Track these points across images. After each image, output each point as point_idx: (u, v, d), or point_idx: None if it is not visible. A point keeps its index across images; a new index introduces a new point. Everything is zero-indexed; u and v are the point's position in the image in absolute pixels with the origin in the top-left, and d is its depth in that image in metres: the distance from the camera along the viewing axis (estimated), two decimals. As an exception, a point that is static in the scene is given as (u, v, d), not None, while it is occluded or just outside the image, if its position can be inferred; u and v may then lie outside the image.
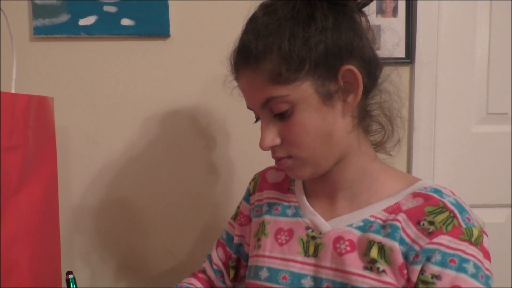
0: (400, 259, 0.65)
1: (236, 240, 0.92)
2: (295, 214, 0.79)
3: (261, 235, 0.81)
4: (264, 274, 0.76)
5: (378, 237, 0.67)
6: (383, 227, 0.68)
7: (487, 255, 0.66)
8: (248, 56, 0.67)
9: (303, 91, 0.65)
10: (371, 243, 0.67)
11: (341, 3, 0.67)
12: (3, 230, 0.79)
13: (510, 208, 1.29)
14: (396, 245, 0.65)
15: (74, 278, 0.82)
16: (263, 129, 0.70)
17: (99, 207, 1.21)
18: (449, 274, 0.62)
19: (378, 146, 0.79)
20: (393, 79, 0.76)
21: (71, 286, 0.81)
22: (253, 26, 0.68)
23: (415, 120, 1.23)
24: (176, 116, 1.19)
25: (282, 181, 0.86)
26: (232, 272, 0.93)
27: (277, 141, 0.70)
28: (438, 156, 1.26)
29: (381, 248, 0.66)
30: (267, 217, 0.82)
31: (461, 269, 0.62)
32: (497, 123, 1.28)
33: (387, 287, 0.65)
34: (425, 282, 0.63)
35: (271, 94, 0.66)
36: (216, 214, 1.24)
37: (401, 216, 0.67)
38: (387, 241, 0.66)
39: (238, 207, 0.94)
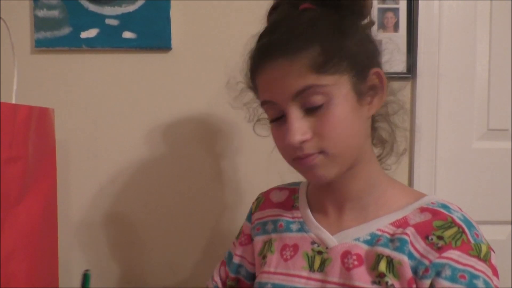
0: (409, 273, 0.64)
1: (236, 259, 0.90)
2: (300, 229, 0.78)
3: (267, 252, 0.80)
4: None
5: (387, 251, 0.66)
6: (391, 240, 0.67)
7: (495, 272, 0.65)
8: (287, 46, 0.65)
9: (342, 85, 0.66)
10: (379, 257, 0.66)
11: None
12: (1, 243, 0.77)
13: (510, 225, 1.28)
14: (405, 258, 0.65)
15: (89, 275, 0.80)
16: (292, 122, 0.66)
17: (99, 222, 1.20)
18: None
19: (381, 158, 0.79)
20: (395, 90, 0.78)
21: (86, 282, 0.78)
22: (289, 22, 0.68)
23: (416, 135, 1.22)
24: (178, 129, 1.19)
25: (286, 200, 0.85)
26: None
27: (308, 135, 0.66)
28: (439, 172, 1.26)
29: (390, 262, 0.66)
30: (273, 235, 0.81)
31: (471, 285, 0.62)
32: (498, 139, 1.27)
33: None
34: None
35: (312, 82, 0.64)
36: (219, 231, 1.22)
37: (410, 230, 0.67)
38: (396, 255, 0.65)
39: (241, 227, 0.93)
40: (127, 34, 1.15)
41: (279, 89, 0.67)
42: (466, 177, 1.28)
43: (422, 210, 0.69)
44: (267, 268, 0.78)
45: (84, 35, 1.14)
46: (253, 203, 0.91)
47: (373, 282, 0.66)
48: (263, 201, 0.88)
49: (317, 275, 0.72)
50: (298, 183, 0.88)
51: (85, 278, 0.79)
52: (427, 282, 0.63)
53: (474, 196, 1.27)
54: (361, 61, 0.67)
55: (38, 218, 0.91)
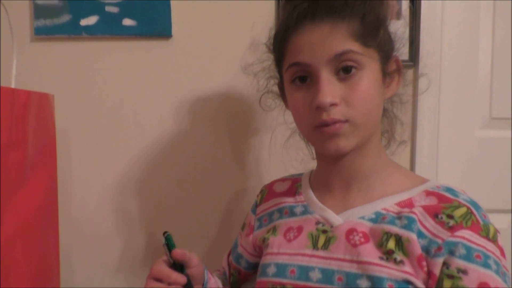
0: (418, 251, 0.65)
1: (239, 249, 0.93)
2: (304, 212, 0.79)
3: (270, 236, 0.81)
4: (271, 270, 0.76)
5: (394, 229, 0.67)
6: (398, 218, 0.69)
7: (502, 253, 0.66)
8: (332, 10, 0.68)
9: (373, 59, 0.70)
10: (387, 235, 0.67)
11: None
12: (1, 229, 0.77)
13: (511, 214, 1.28)
14: (413, 236, 0.66)
15: (170, 235, 0.79)
16: (325, 83, 0.68)
17: (100, 210, 1.20)
18: (475, 269, 0.62)
19: None
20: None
21: (171, 243, 0.77)
22: None
23: (419, 124, 1.22)
24: (178, 116, 1.18)
25: (289, 188, 0.87)
26: (231, 279, 0.95)
27: (337, 100, 0.68)
28: (441, 160, 1.25)
29: (399, 239, 0.67)
30: (277, 222, 0.82)
31: (486, 265, 0.63)
32: (500, 128, 1.27)
33: (405, 275, 0.64)
34: (451, 277, 0.63)
35: (351, 47, 0.67)
36: (222, 221, 1.22)
37: (418, 210, 0.68)
38: (403, 232, 0.66)
39: (245, 218, 0.94)
40: (127, 22, 1.14)
41: (317, 51, 0.68)
42: (468, 166, 1.27)
43: (428, 193, 0.70)
44: (270, 250, 0.79)
45: (83, 22, 1.13)
46: (258, 196, 0.93)
47: (381, 258, 0.66)
48: (267, 192, 0.90)
49: (320, 253, 0.72)
50: (300, 174, 0.90)
51: (168, 239, 0.77)
52: (440, 261, 0.64)
53: (475, 185, 1.27)
54: (388, 45, 0.73)
55: (38, 205, 0.91)
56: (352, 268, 0.68)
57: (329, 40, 0.68)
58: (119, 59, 1.17)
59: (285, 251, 0.76)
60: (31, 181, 0.87)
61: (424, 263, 0.65)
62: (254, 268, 0.91)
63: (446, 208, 0.66)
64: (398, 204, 0.71)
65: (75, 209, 1.19)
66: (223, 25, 1.17)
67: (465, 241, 0.64)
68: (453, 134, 1.26)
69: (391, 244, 0.66)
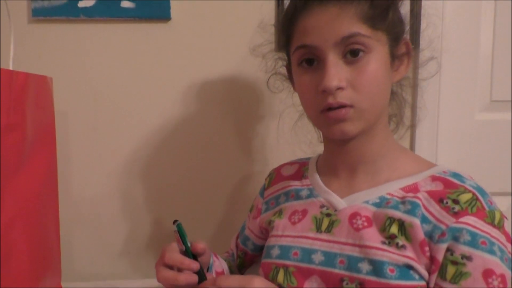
0: (420, 236, 0.65)
1: (246, 232, 0.95)
2: (309, 195, 0.79)
3: (275, 218, 0.81)
4: (275, 252, 0.77)
5: (397, 214, 0.67)
6: (402, 203, 0.69)
7: (508, 239, 0.66)
8: None
9: (382, 42, 0.69)
10: (390, 220, 0.67)
11: None
12: (1, 212, 0.77)
13: (510, 196, 1.28)
14: (416, 221, 0.65)
15: (181, 224, 0.79)
16: (331, 66, 0.67)
17: (100, 195, 1.20)
18: (480, 256, 0.62)
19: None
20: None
21: (182, 231, 0.77)
22: None
23: (419, 106, 1.21)
24: (177, 100, 1.18)
25: (296, 172, 0.87)
26: (238, 261, 0.97)
27: (344, 83, 0.67)
28: (441, 143, 1.25)
29: (401, 224, 0.67)
30: (283, 205, 0.83)
31: (491, 251, 0.62)
32: (501, 110, 1.26)
33: (407, 260, 0.65)
34: (454, 263, 0.63)
35: (359, 30, 0.66)
36: (228, 205, 1.23)
37: (422, 195, 0.68)
38: (406, 217, 0.66)
39: (254, 200, 0.96)
40: (126, 4, 1.12)
41: (324, 33, 0.67)
42: (468, 149, 1.27)
43: (434, 178, 0.70)
44: (275, 232, 0.79)
45: (81, 4, 1.12)
46: (266, 179, 0.93)
47: (383, 242, 0.67)
48: (275, 176, 0.91)
49: (323, 236, 0.73)
50: (308, 158, 0.91)
51: (179, 228, 0.78)
52: (443, 246, 0.64)
53: (475, 168, 1.26)
54: (398, 27, 0.72)
55: (38, 188, 0.91)
56: (354, 252, 0.68)
57: (337, 22, 0.66)
58: (118, 41, 1.16)
59: (289, 234, 0.77)
60: (30, 163, 0.87)
61: (427, 249, 0.65)
62: (260, 250, 0.92)
63: (451, 193, 0.66)
64: (403, 188, 0.71)
65: (75, 192, 1.19)
66: (223, 8, 1.16)
67: (469, 227, 0.63)
68: (453, 117, 1.25)
69: (394, 229, 0.67)
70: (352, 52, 0.67)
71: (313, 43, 0.69)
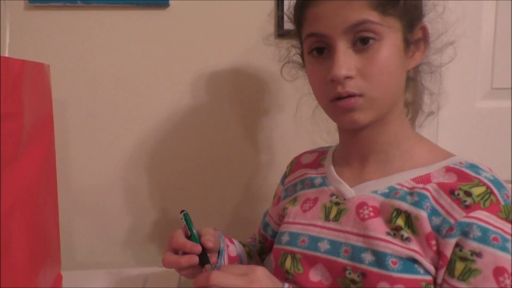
0: (427, 228, 0.63)
1: (267, 218, 0.98)
2: (322, 184, 0.79)
3: (289, 205, 0.82)
4: (285, 238, 0.78)
5: (404, 205, 0.66)
6: (410, 194, 0.67)
7: None
8: None
9: (394, 29, 0.66)
10: (397, 212, 0.66)
11: None
12: (0, 201, 0.77)
13: (511, 184, 1.28)
14: (422, 213, 0.64)
15: (187, 213, 0.81)
16: (340, 55, 0.65)
17: (99, 183, 1.20)
18: (491, 252, 0.59)
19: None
20: (429, 55, 0.77)
21: (188, 221, 0.79)
22: None
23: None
24: (176, 88, 1.17)
25: (314, 160, 0.87)
26: (258, 246, 0.99)
27: (353, 72, 0.66)
28: (441, 131, 1.24)
29: (408, 216, 0.65)
30: (299, 193, 0.83)
31: (504, 248, 0.59)
32: (501, 98, 1.26)
33: (411, 253, 0.63)
34: (463, 259, 0.61)
35: (369, 17, 0.64)
36: (225, 195, 1.23)
37: (431, 186, 0.65)
38: (413, 210, 0.65)
39: (276, 188, 0.98)
40: (123, -10, 1.11)
41: (333, 21, 0.66)
42: (469, 136, 1.26)
43: (448, 169, 0.67)
44: (287, 219, 0.80)
45: (79, -10, 1.11)
46: (287, 167, 0.94)
47: (388, 233, 0.66)
48: (295, 164, 0.92)
49: (331, 224, 0.72)
50: (328, 147, 0.91)
51: (186, 218, 0.79)
52: (452, 242, 0.62)
53: (476, 155, 1.24)
54: (413, 12, 0.68)
55: (36, 177, 0.90)
56: (359, 242, 0.67)
57: (346, 9, 0.65)
58: (115, 28, 1.15)
59: (299, 221, 0.78)
60: (28, 152, 0.86)
61: (434, 242, 0.63)
62: (268, 228, 0.97)
63: (463, 185, 0.63)
64: (414, 179, 0.68)
65: (75, 181, 1.19)
66: (222, -6, 1.14)
67: (480, 223, 0.60)
68: (454, 105, 1.25)
69: (400, 221, 0.65)
70: (362, 40, 0.65)
71: (322, 31, 0.67)
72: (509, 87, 1.26)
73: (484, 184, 0.63)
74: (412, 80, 0.79)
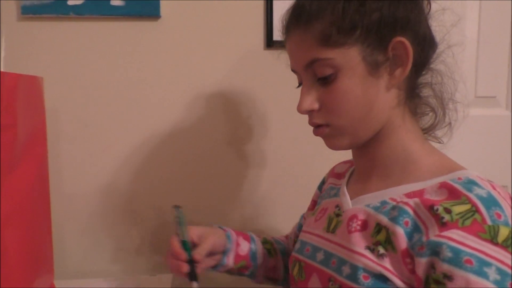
0: (403, 245, 0.60)
1: (301, 220, 1.00)
2: (335, 195, 0.81)
3: (310, 214, 0.86)
4: (297, 246, 0.82)
5: (384, 220, 0.64)
6: (393, 209, 0.64)
7: None
8: (300, 15, 0.67)
9: (350, 57, 0.64)
10: (379, 226, 0.65)
11: None
12: (-3, 211, 0.78)
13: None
14: (398, 229, 0.61)
15: (180, 210, 0.83)
16: (303, 92, 0.70)
17: (91, 191, 1.20)
18: (463, 276, 0.53)
19: (428, 130, 0.76)
20: (446, 60, 0.74)
21: (180, 218, 0.81)
22: None
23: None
24: (167, 97, 1.19)
25: (344, 171, 0.88)
26: (293, 246, 0.99)
27: (315, 106, 0.69)
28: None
29: (387, 232, 0.63)
30: (322, 201, 0.86)
31: (481, 273, 0.53)
32: (485, 106, 1.29)
33: (381, 270, 0.61)
34: (437, 282, 0.56)
35: (317, 55, 0.65)
36: (215, 201, 1.24)
37: (414, 201, 0.63)
38: (390, 225, 0.63)
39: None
40: (115, 2, 1.12)
41: (295, 59, 0.71)
42: (452, 145, 1.28)
43: (442, 185, 0.62)
44: (304, 227, 0.84)
45: (71, 2, 1.12)
46: (326, 174, 0.95)
47: (367, 248, 0.64)
48: (330, 172, 0.93)
49: (328, 235, 0.74)
50: None
51: (178, 215, 0.81)
52: (423, 261, 0.57)
53: (460, 163, 1.29)
54: (379, 31, 0.64)
55: (32, 186, 0.91)
56: (343, 254, 0.68)
57: (300, 48, 0.68)
58: (107, 39, 1.16)
59: (309, 230, 0.80)
60: (22, 164, 0.87)
61: (409, 260, 0.59)
62: None
63: (447, 202, 0.59)
64: (407, 194, 0.65)
65: (67, 190, 1.19)
66: (213, 6, 1.16)
67: (451, 243, 0.55)
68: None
69: (380, 236, 0.63)
70: (319, 75, 0.67)
71: (293, 67, 0.72)
72: (493, 95, 1.29)
73: (470, 202, 0.57)
74: (428, 84, 0.74)
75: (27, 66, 1.13)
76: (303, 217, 1.00)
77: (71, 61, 1.16)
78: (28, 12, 1.11)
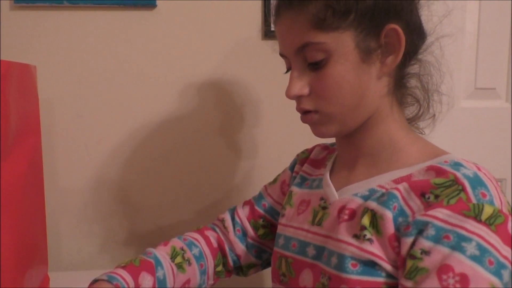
0: (390, 229, 0.60)
1: (270, 201, 0.91)
2: (317, 186, 0.79)
3: (286, 205, 0.82)
4: (281, 241, 0.78)
5: (373, 205, 0.63)
6: (382, 194, 0.64)
7: (506, 241, 0.55)
8: (292, 1, 0.65)
9: (343, 42, 0.63)
10: (366, 210, 0.64)
11: None
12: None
13: (496, 184, 1.30)
14: (387, 213, 0.61)
15: None
16: (292, 77, 0.68)
17: (85, 183, 1.19)
18: (440, 250, 0.55)
19: (412, 121, 0.76)
20: (435, 52, 0.72)
21: None
22: None
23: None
24: (162, 88, 1.17)
25: (322, 158, 0.86)
26: (261, 231, 0.90)
27: (305, 91, 0.67)
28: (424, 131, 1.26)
29: (373, 216, 0.62)
30: (295, 189, 0.83)
31: (457, 247, 0.54)
32: (485, 98, 1.28)
33: (367, 256, 0.61)
34: (412, 257, 0.57)
35: (310, 39, 0.64)
36: (209, 192, 1.23)
37: (403, 185, 0.62)
38: (379, 209, 0.62)
39: (279, 175, 0.94)
40: (110, -9, 1.11)
41: (286, 43, 0.69)
42: (452, 136, 1.28)
43: (429, 168, 0.63)
44: (284, 221, 0.81)
45: (65, -9, 1.11)
46: (298, 155, 0.92)
47: (354, 235, 0.63)
48: (305, 156, 0.90)
49: (315, 229, 0.72)
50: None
51: None
52: (409, 241, 0.58)
53: (460, 155, 1.28)
54: (374, 15, 0.63)
55: (24, 176, 0.90)
56: (332, 246, 0.66)
57: (291, 31, 0.66)
58: (102, 29, 1.14)
59: (292, 224, 0.78)
60: (14, 153, 0.86)
61: (396, 244, 0.60)
62: (273, 212, 0.91)
63: (435, 187, 0.59)
64: (395, 180, 0.65)
65: (61, 181, 1.18)
66: (209, -5, 1.15)
67: (436, 221, 0.56)
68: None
69: (365, 220, 0.63)
70: (310, 59, 0.66)
71: (281, 51, 0.71)
72: (493, 87, 1.28)
73: (457, 181, 0.58)
74: (415, 75, 0.74)
75: (20, 56, 1.11)
76: (268, 193, 0.92)
77: (65, 51, 1.14)
78: (22, 1, 1.10)
